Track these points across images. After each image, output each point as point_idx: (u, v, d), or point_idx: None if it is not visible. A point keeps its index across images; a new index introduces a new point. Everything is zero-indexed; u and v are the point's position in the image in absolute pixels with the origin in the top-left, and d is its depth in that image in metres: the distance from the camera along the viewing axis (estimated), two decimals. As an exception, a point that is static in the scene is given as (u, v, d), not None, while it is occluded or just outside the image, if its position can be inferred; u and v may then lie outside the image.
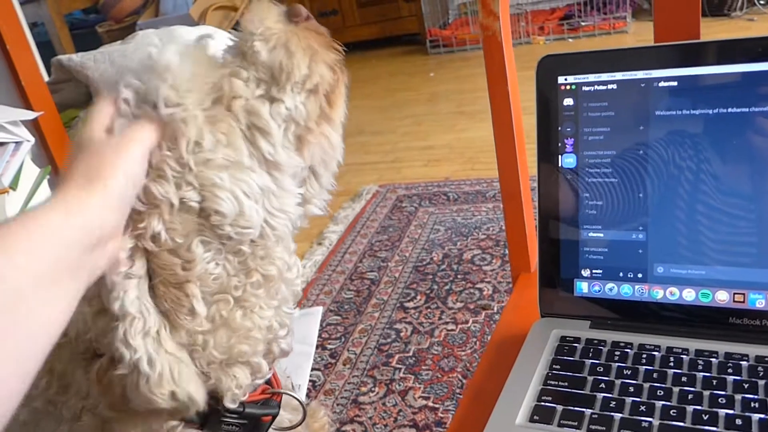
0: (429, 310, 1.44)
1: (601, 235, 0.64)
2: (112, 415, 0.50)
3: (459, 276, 1.54)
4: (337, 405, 1.22)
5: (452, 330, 1.36)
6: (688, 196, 0.60)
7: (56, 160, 1.47)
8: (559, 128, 0.65)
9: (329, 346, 1.39)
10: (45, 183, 1.17)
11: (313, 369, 1.33)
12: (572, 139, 0.64)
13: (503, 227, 1.72)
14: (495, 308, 1.40)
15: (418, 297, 1.50)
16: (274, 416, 0.57)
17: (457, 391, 1.19)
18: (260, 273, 0.52)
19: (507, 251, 1.60)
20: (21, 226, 0.39)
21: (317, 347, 1.38)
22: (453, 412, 1.14)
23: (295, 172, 0.53)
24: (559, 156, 0.65)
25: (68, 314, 0.40)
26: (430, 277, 1.57)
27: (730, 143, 0.58)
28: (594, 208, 0.64)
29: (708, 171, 0.59)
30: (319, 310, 1.50)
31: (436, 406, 1.17)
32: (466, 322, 1.38)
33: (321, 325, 1.46)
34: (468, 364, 1.25)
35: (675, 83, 0.60)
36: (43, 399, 0.52)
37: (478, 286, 1.49)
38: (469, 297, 1.46)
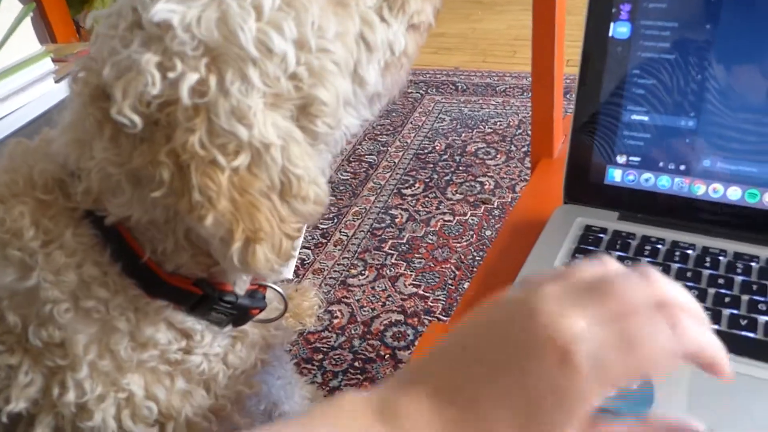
0: (427, 198, 1.39)
1: (646, 118, 0.57)
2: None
3: (461, 168, 1.48)
4: (325, 285, 1.19)
5: (449, 221, 1.31)
6: (751, 86, 0.53)
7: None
8: (616, -9, 0.56)
9: (321, 226, 1.34)
10: (27, 21, 1.07)
11: (302, 247, 1.29)
12: (629, 5, 0.56)
13: (511, 123, 1.66)
14: (495, 203, 1.35)
15: (417, 184, 1.44)
16: (262, 309, 0.55)
17: (449, 281, 1.16)
18: None
19: (512, 147, 1.54)
20: None
21: (308, 226, 1.34)
22: (443, 302, 1.11)
23: (372, 93, 0.51)
24: (611, 23, 0.57)
25: None
26: (431, 166, 1.50)
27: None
28: (642, 87, 0.57)
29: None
30: (312, 189, 1.44)
31: (427, 294, 1.14)
32: (464, 214, 1.33)
33: (313, 204, 1.40)
34: (462, 256, 1.21)
35: (763, -52, 0.51)
36: (17, 247, 0.48)
37: (479, 179, 1.43)
38: (470, 189, 1.40)
